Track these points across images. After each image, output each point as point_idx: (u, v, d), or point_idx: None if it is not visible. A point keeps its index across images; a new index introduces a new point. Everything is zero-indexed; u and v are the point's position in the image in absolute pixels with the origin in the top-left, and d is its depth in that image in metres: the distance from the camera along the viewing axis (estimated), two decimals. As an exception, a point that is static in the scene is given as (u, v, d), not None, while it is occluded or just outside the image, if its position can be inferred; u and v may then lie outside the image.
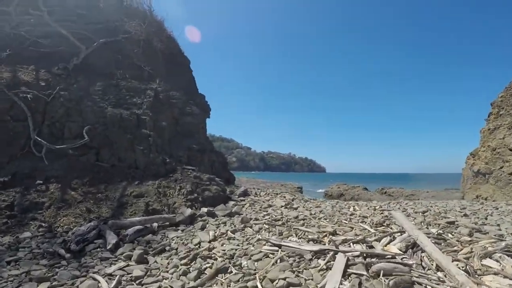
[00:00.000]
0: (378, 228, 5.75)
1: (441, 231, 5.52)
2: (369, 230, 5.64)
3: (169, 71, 13.86)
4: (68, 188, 7.60)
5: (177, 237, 5.62)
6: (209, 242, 5.21)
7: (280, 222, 6.05)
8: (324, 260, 4.10)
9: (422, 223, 6.11)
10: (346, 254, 4.16)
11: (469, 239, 5.19)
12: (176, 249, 5.04)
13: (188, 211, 6.61)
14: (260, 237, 5.20)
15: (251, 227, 5.91)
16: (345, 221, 6.24)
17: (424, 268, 4.17)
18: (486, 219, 6.74)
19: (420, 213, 7.04)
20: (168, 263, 4.52)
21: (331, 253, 4.22)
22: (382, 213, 7.05)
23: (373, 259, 4.16)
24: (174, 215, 6.75)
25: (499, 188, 11.92)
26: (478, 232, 5.57)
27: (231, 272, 4.05)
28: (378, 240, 5.02)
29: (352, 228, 5.77)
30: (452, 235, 5.44)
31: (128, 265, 4.59)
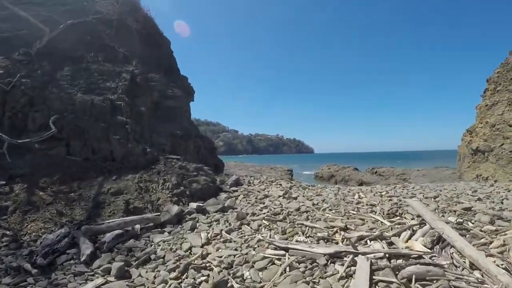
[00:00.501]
0: (392, 219, 5.19)
1: (460, 220, 5.00)
2: (382, 222, 5.08)
3: (147, 52, 12.76)
4: (36, 188, 6.72)
5: (164, 242, 4.90)
6: (202, 246, 4.51)
7: (281, 217, 5.40)
8: (342, 265, 3.48)
9: (437, 210, 5.58)
10: (368, 256, 3.55)
11: (493, 228, 4.68)
12: (163, 257, 4.32)
13: (175, 209, 5.87)
14: (261, 238, 4.54)
15: (248, 224, 5.24)
16: (353, 212, 5.65)
17: (457, 267, 3.62)
18: (502, 203, 6.28)
19: (432, 199, 6.53)
20: (155, 277, 3.80)
21: (350, 256, 3.59)
22: (390, 199, 6.51)
23: (399, 261, 3.57)
24: (159, 214, 6.01)
25: (500, 166, 11.64)
26: (499, 219, 5.07)
27: (232, 286, 3.38)
28: (397, 235, 4.44)
29: (363, 220, 5.19)
30: (473, 223, 4.94)
31: (106, 282, 3.86)
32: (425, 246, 4.00)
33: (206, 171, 7.75)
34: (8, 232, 5.52)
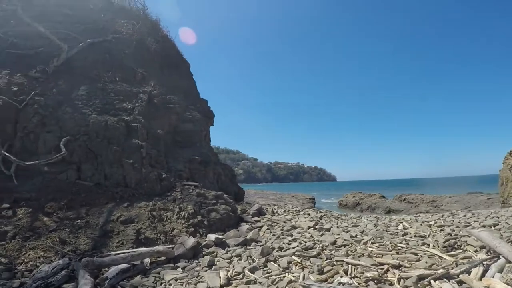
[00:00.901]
0: (452, 253, 4.26)
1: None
2: (441, 257, 4.16)
3: (165, 73, 12.64)
4: (41, 213, 6.24)
5: (176, 280, 4.16)
6: (221, 287, 3.74)
7: (314, 252, 4.56)
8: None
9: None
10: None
11: None
12: (174, 301, 3.57)
13: (191, 241, 5.15)
14: (293, 278, 3.73)
15: (275, 261, 4.43)
16: (401, 245, 4.74)
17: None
18: None
19: (491, 227, 5.52)
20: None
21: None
22: (442, 229, 5.55)
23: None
24: (172, 246, 5.31)
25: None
26: None
27: None
28: (466, 271, 3.53)
29: (417, 255, 4.28)
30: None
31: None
32: (508, 284, 3.09)
33: (226, 200, 7.05)
34: (3, 260, 4.96)
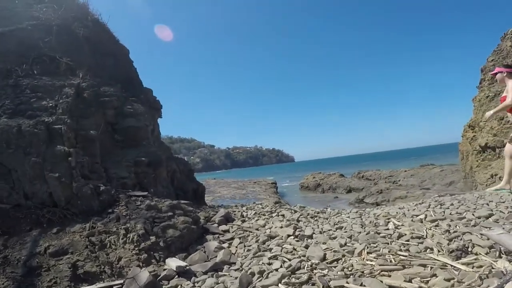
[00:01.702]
0: (464, 260, 3.65)
1: None
2: (454, 267, 3.52)
3: (99, 62, 10.87)
4: None
5: None
6: None
7: (304, 276, 3.69)
8: None
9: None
10: None
11: None
12: None
13: (145, 275, 4.03)
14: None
15: (258, 294, 3.50)
16: (402, 253, 4.05)
17: None
18: None
19: (488, 218, 5.08)
20: None
21: None
22: (437, 225, 5.00)
23: None
24: (121, 283, 4.16)
25: (518, 162, 10.55)
26: None
27: None
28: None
29: (426, 266, 3.60)
30: None
31: None
32: None
33: (184, 208, 5.93)
34: None
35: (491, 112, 7.00)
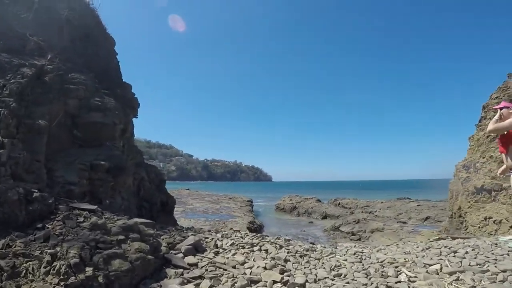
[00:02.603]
0: None
1: None
2: None
3: (78, 47, 9.53)
4: None
5: None
6: None
7: None
8: None
9: None
10: None
11: None
12: None
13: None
14: None
15: None
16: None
17: None
18: None
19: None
20: None
21: None
22: (457, 279, 3.95)
23: None
24: None
25: (517, 208, 9.83)
26: None
27: None
28: None
29: None
30: None
31: None
32: None
33: (142, 231, 4.57)
34: None
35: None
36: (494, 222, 10.26)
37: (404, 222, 24.53)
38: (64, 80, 7.03)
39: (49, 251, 3.69)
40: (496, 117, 5.94)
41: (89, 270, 3.63)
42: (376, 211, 36.39)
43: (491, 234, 9.71)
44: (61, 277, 3.48)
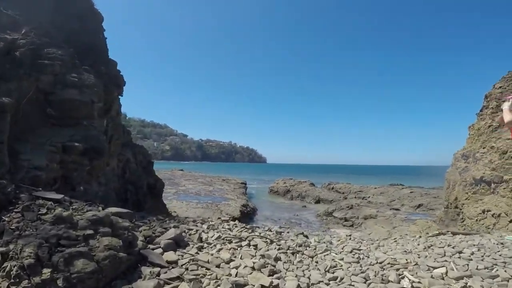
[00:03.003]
0: None
1: None
2: None
3: (58, 22, 8.73)
4: None
5: None
6: None
7: None
8: None
9: None
10: None
11: None
12: None
13: None
14: None
15: None
16: None
17: None
18: None
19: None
20: None
21: None
22: (465, 285, 3.55)
23: None
24: None
25: (516, 202, 9.48)
26: None
27: None
28: None
29: None
30: None
31: None
32: None
33: (116, 224, 4.05)
34: None
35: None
36: (492, 215, 9.92)
37: (397, 209, 24.48)
38: (38, 55, 6.34)
39: (0, 248, 3.16)
40: (507, 106, 5.46)
41: (46, 272, 3.12)
42: (369, 196, 36.40)
43: (489, 228, 9.41)
44: (12, 280, 2.97)
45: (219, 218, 6.84)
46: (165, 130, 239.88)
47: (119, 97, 11.21)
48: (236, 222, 6.59)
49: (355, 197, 33.22)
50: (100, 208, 4.50)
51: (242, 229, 5.56)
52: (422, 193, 32.47)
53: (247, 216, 23.21)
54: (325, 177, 59.55)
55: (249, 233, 5.29)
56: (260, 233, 5.38)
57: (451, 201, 13.09)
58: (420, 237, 6.73)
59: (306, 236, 15.43)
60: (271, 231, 5.76)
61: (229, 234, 5.11)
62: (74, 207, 4.08)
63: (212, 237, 4.95)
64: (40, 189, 4.24)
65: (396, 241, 6.17)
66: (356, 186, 40.38)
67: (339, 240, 6.27)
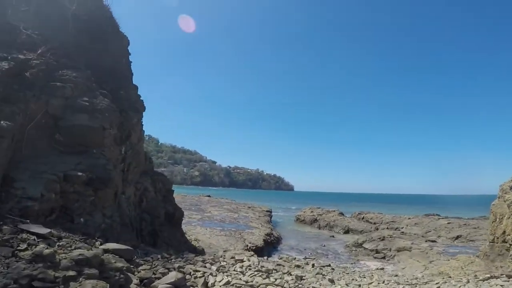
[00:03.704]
0: None
1: None
2: None
3: (84, 44, 8.87)
4: None
5: None
6: None
7: None
8: None
9: None
10: None
11: None
12: None
13: None
14: None
15: None
16: None
17: None
18: None
19: None
20: None
21: None
22: None
23: None
24: None
25: None
26: None
27: None
28: None
29: None
30: None
31: None
32: None
33: (106, 264, 3.51)
34: None
35: None
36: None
37: (433, 241, 22.46)
38: (51, 77, 6.22)
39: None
40: None
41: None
42: (402, 227, 33.96)
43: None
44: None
45: (232, 257, 6.01)
46: (195, 156, 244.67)
47: (141, 123, 11.14)
48: (253, 259, 5.84)
49: (387, 228, 31.09)
50: (98, 243, 4.01)
51: (257, 272, 4.81)
52: (460, 223, 29.93)
53: (271, 245, 22.10)
54: (355, 206, 56.86)
55: (263, 278, 4.54)
56: (275, 280, 4.61)
57: (498, 235, 11.66)
58: (468, 281, 5.66)
59: (333, 269, 13.94)
60: (291, 276, 4.96)
61: (240, 279, 4.40)
62: (61, 243, 3.62)
63: (220, 281, 4.27)
64: (28, 221, 3.85)
65: (439, 287, 5.16)
66: (388, 216, 37.99)
67: (370, 281, 5.35)
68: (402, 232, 28.48)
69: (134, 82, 10.92)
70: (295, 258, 19.18)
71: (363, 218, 38.32)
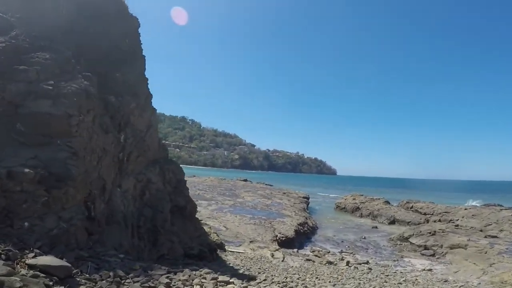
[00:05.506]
0: None
1: None
2: None
3: (79, 26, 8.37)
4: None
5: None
6: None
7: None
8: None
9: None
10: None
11: None
12: None
13: None
14: None
15: None
16: None
17: None
18: None
19: None
20: None
21: None
22: None
23: None
24: None
25: None
26: None
27: None
28: None
29: None
30: None
31: None
32: None
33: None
34: None
35: None
36: None
37: (495, 237, 19.98)
38: (18, 61, 5.61)
39: None
40: None
41: None
42: (457, 219, 30.90)
43: None
44: None
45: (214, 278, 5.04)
46: (235, 139, 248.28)
47: (152, 109, 10.50)
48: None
49: (439, 220, 28.53)
50: (31, 255, 3.33)
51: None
52: (530, 216, 26.52)
53: (304, 235, 21.15)
54: (403, 194, 53.51)
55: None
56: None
57: None
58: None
59: (370, 269, 12.40)
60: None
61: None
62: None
63: None
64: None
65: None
66: (441, 206, 34.78)
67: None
68: (457, 226, 25.82)
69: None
70: (328, 252, 17.98)
71: (411, 207, 35.60)
